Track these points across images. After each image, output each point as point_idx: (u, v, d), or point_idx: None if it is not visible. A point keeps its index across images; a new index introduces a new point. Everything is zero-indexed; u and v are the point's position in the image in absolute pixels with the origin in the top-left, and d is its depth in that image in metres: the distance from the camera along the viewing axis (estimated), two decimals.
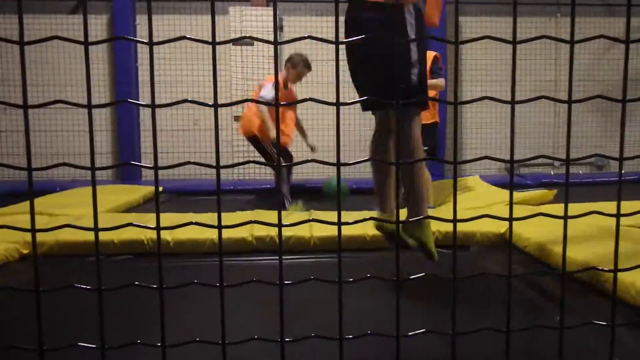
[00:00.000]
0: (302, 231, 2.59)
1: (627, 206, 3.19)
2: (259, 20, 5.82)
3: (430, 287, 1.89)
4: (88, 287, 0.73)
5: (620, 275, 1.75)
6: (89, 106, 0.68)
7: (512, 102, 0.72)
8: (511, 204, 0.75)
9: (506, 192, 4.01)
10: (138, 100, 5.99)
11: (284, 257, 2.77)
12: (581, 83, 6.37)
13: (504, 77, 6.34)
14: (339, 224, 0.76)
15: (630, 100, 0.73)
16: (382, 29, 1.43)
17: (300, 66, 4.05)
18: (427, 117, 3.73)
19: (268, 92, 3.91)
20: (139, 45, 5.90)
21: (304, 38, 0.78)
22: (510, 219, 0.77)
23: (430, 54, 3.58)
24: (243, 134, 4.26)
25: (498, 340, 0.86)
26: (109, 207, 3.61)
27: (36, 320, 0.69)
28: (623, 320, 1.70)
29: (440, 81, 3.56)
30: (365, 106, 1.80)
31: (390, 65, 1.47)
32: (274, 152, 4.11)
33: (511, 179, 0.77)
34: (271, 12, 5.95)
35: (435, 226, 2.58)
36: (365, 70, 1.61)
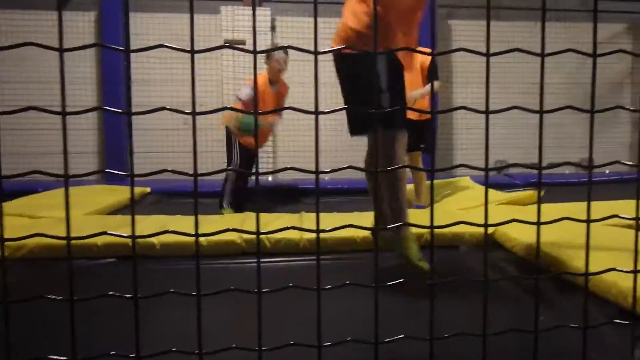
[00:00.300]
0: (292, 233, 2.58)
1: (611, 206, 3.19)
2: (251, 20, 5.80)
3: (414, 290, 1.89)
4: (59, 297, 0.72)
5: (603, 275, 1.79)
6: (63, 113, 0.68)
7: (487, 112, 0.73)
8: (486, 210, 0.76)
9: (497, 193, 4.04)
10: (130, 90, 5.95)
11: (272, 259, 2.76)
12: (567, 86, 6.45)
13: (495, 79, 6.39)
14: (318, 231, 0.77)
15: (598, 111, 0.75)
16: (355, 67, 1.78)
17: (272, 56, 3.99)
18: (423, 114, 3.84)
19: (242, 93, 3.88)
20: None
21: (283, 47, 0.78)
22: (486, 225, 0.78)
23: (427, 58, 3.69)
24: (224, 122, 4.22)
25: (480, 341, 0.87)
26: (94, 209, 3.58)
27: (4, 332, 0.68)
28: (604, 319, 1.73)
29: (436, 84, 3.72)
30: (351, 132, 2.02)
31: (363, 94, 1.75)
32: (237, 151, 4.08)
33: (486, 186, 0.78)
34: (263, 12, 5.95)
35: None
36: (347, 98, 1.89)
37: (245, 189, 4.18)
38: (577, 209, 3.20)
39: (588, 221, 0.79)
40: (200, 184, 4.45)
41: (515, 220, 0.81)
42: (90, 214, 3.41)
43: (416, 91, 3.68)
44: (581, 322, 0.85)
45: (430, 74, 3.65)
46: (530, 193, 3.86)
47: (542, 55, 0.72)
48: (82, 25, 5.93)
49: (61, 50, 0.65)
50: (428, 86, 3.70)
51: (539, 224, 0.77)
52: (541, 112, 0.75)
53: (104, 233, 0.79)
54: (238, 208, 4.09)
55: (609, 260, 1.66)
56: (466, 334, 0.80)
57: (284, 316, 1.71)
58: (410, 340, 0.83)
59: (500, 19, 6.43)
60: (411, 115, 3.67)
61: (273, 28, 6.14)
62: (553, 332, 1.03)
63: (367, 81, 1.66)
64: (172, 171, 0.75)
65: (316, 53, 0.71)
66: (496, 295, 1.96)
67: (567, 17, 6.41)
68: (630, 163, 0.82)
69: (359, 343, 0.79)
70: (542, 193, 3.88)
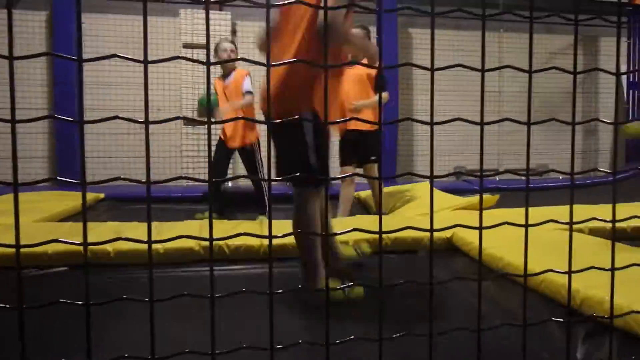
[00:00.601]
0: (252, 240, 2.57)
1: (564, 210, 3.32)
2: (211, 24, 5.74)
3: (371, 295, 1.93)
4: (7, 305, 0.70)
5: (553, 277, 1.90)
6: (13, 121, 0.66)
7: (431, 123, 0.77)
8: (431, 216, 0.80)
9: (455, 198, 4.18)
10: (82, 100, 5.75)
11: (233, 267, 2.72)
12: (523, 94, 6.74)
13: (454, 87, 6.60)
14: (270, 237, 0.78)
15: (535, 123, 0.80)
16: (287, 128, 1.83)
17: (219, 48, 3.96)
18: (373, 124, 3.76)
19: None
20: (82, 43, 5.67)
21: (237, 59, 0.79)
22: (431, 230, 0.82)
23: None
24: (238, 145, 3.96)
25: (441, 343, 0.91)
26: (45, 215, 3.44)
27: None
28: (551, 322, 1.83)
29: (384, 96, 3.66)
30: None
31: (292, 153, 1.88)
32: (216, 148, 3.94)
33: (431, 193, 0.82)
34: (224, 16, 5.91)
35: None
36: (279, 154, 1.98)
37: (218, 190, 4.08)
38: (531, 213, 3.35)
39: (526, 225, 0.84)
40: (156, 190, 4.40)
41: (460, 225, 0.85)
42: (41, 221, 3.28)
43: (361, 102, 3.60)
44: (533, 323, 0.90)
45: (377, 85, 3.62)
46: (486, 197, 4.01)
47: (483, 70, 0.76)
48: (32, 25, 5.69)
49: (11, 58, 0.63)
50: (374, 98, 3.66)
51: (480, 228, 0.81)
52: (482, 123, 0.80)
53: (56, 240, 0.77)
54: (219, 212, 3.89)
55: (558, 263, 1.76)
56: (414, 334, 0.84)
57: (238, 321, 1.70)
58: (359, 341, 0.85)
59: (461, 29, 6.67)
60: (358, 126, 3.64)
61: (234, 32, 6.11)
62: (506, 333, 1.09)
63: (294, 139, 1.80)
64: (126, 179, 0.74)
65: (268, 66, 0.73)
66: (449, 297, 2.04)
67: (523, 28, 6.71)
68: (564, 171, 0.89)
69: (311, 345, 0.81)
70: (497, 197, 4.06)
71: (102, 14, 5.83)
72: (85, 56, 5.69)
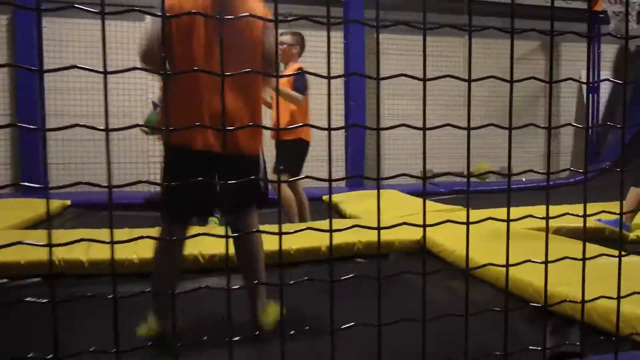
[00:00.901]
0: (224, 248, 2.51)
1: (531, 210, 3.46)
2: None
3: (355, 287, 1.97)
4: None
5: (521, 276, 1.99)
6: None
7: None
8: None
9: (430, 203, 4.28)
10: (44, 108, 5.54)
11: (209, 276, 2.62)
12: (488, 99, 6.97)
13: (418, 92, 6.75)
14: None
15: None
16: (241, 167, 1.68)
17: None
18: (289, 133, 3.36)
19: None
20: (45, 48, 5.49)
21: (191, 71, 0.81)
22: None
23: (294, 67, 3.47)
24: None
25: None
26: (10, 224, 3.31)
27: None
28: (523, 317, 1.92)
29: (298, 97, 3.39)
30: (183, 216, 1.81)
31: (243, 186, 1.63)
32: None
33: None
34: None
35: (356, 236, 2.69)
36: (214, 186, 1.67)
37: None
38: (497, 214, 3.45)
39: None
40: (120, 196, 4.25)
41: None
42: (7, 229, 3.15)
43: (283, 88, 3.28)
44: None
45: (295, 87, 3.36)
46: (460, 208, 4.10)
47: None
48: None
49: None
50: (293, 92, 3.37)
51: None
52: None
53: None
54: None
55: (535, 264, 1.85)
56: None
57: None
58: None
59: (427, 34, 6.83)
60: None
61: None
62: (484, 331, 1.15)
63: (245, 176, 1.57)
64: (88, 183, 0.76)
65: (223, 76, 0.75)
66: (430, 296, 2.10)
67: (490, 34, 6.95)
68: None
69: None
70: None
71: (65, 18, 5.66)
72: (47, 62, 5.52)
